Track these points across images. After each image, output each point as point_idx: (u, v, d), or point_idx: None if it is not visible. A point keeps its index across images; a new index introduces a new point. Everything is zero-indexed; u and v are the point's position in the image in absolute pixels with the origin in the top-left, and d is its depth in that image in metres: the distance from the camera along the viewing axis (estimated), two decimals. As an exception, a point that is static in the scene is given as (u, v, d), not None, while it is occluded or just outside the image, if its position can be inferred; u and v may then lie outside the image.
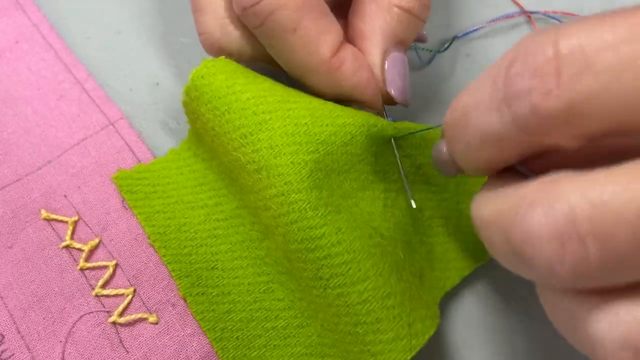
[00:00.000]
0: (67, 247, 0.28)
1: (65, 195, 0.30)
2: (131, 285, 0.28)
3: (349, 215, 0.25)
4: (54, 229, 0.29)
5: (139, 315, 0.27)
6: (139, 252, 0.28)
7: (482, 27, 0.36)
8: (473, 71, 0.36)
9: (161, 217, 0.28)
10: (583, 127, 0.17)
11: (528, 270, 0.18)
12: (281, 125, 0.25)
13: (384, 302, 0.25)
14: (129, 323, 0.27)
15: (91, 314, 0.27)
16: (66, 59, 0.34)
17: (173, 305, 0.27)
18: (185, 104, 0.29)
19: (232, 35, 0.28)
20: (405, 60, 0.29)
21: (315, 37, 0.26)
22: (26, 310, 0.27)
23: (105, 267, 0.28)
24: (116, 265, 0.28)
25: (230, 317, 0.27)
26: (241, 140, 0.26)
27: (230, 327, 0.27)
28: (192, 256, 0.28)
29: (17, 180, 0.30)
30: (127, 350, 0.27)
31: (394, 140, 0.28)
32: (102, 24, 0.36)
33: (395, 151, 0.28)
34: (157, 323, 0.27)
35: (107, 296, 0.28)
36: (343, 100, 0.28)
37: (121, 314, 0.27)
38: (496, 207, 0.19)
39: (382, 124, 0.27)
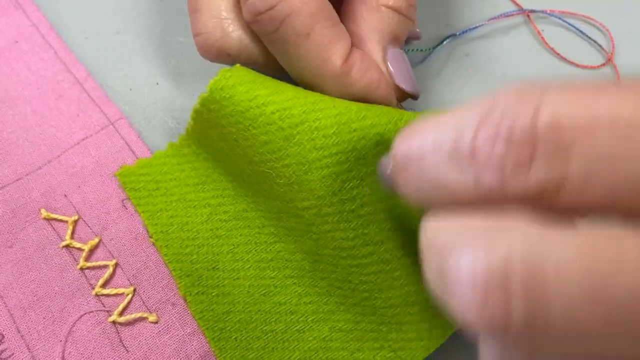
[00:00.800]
0: (67, 246, 0.28)
1: (65, 195, 0.30)
2: (131, 284, 0.28)
3: (381, 225, 0.26)
4: (54, 228, 0.29)
5: (139, 315, 0.27)
6: (139, 252, 0.28)
7: (480, 26, 0.36)
8: (472, 70, 0.36)
9: (164, 215, 0.28)
10: (554, 206, 0.15)
11: (450, 310, 0.16)
12: (309, 139, 0.25)
13: (408, 309, 0.26)
14: (129, 322, 0.27)
15: (91, 314, 0.27)
16: (65, 59, 0.34)
17: (173, 304, 0.28)
18: (200, 113, 0.28)
19: (234, 36, 0.28)
20: (404, 55, 0.29)
21: (328, 44, 0.26)
22: (26, 310, 0.27)
23: (105, 266, 0.28)
24: (116, 264, 0.28)
25: (229, 317, 0.27)
26: (269, 156, 0.26)
27: (229, 327, 0.27)
28: (193, 256, 0.28)
29: (17, 180, 0.30)
30: (127, 350, 0.27)
31: None
32: (102, 24, 0.36)
33: None
34: (157, 322, 0.27)
35: (107, 295, 0.28)
36: (359, 100, 0.28)
37: (121, 314, 0.27)
38: (442, 234, 0.17)
39: (408, 116, 0.27)
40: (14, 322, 0.27)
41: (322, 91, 0.28)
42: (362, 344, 0.27)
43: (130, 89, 0.34)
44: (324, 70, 0.27)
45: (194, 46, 0.35)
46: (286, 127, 0.25)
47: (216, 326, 0.27)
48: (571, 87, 0.15)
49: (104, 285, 0.28)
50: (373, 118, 0.26)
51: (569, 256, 0.13)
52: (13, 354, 0.26)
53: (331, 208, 0.25)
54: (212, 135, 0.29)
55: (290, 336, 0.27)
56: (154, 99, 0.34)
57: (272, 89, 0.27)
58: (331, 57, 0.26)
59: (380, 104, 0.28)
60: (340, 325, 0.27)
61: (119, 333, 0.27)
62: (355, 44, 0.28)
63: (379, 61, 0.28)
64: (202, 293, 0.27)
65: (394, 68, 0.29)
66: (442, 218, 0.18)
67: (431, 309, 0.26)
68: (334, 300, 0.27)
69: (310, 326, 0.27)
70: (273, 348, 0.27)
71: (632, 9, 0.38)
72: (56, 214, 0.29)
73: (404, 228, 0.27)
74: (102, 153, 0.31)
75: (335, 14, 0.27)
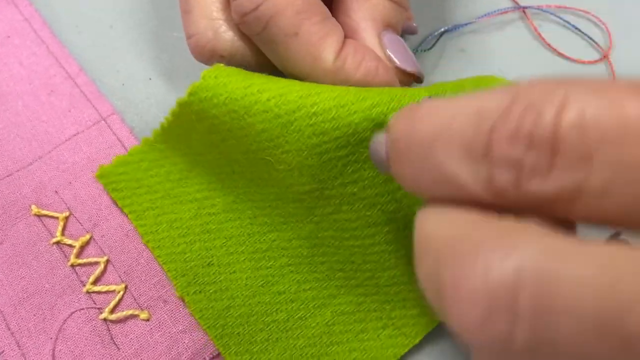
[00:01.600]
0: (57, 243, 0.28)
1: (56, 191, 0.29)
2: (122, 281, 0.28)
3: (385, 207, 0.25)
4: (44, 224, 0.29)
5: (130, 312, 0.27)
6: (130, 249, 0.28)
7: (475, 22, 0.36)
8: (467, 66, 0.35)
9: (151, 214, 0.28)
10: (568, 214, 0.14)
11: (442, 314, 0.16)
12: (308, 125, 0.24)
13: (412, 286, 0.26)
14: (120, 320, 0.27)
15: (82, 311, 0.27)
16: (58, 54, 0.34)
17: (165, 301, 0.27)
18: (187, 105, 0.27)
19: (226, 37, 0.28)
20: (401, 39, 0.29)
21: (318, 41, 0.26)
22: (16, 307, 0.27)
23: (97, 263, 0.28)
24: (107, 261, 0.28)
25: (230, 313, 0.27)
26: (267, 144, 0.25)
27: (230, 323, 0.27)
28: (186, 254, 0.27)
29: (7, 176, 0.30)
30: (118, 347, 0.26)
31: None
32: (94, 19, 0.36)
33: None
34: (148, 320, 0.27)
35: (98, 293, 0.27)
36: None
37: (112, 311, 0.27)
38: (443, 232, 0.16)
39: (412, 92, 0.25)
40: (4, 319, 0.27)
41: None
42: (366, 324, 0.27)
43: (123, 84, 0.34)
44: (316, 68, 0.26)
45: (187, 41, 0.35)
46: (283, 114, 0.24)
47: (217, 323, 0.27)
48: (600, 85, 0.14)
49: (95, 283, 0.27)
50: (374, 98, 0.24)
51: (586, 279, 0.12)
52: (3, 351, 0.26)
53: (333, 191, 0.25)
54: (199, 128, 0.28)
55: (293, 324, 0.27)
56: (147, 95, 0.33)
57: (267, 78, 0.26)
58: (322, 54, 0.26)
59: None
60: (342, 309, 0.27)
61: (110, 330, 0.27)
62: (349, 35, 0.28)
63: (375, 47, 0.27)
64: (200, 292, 0.27)
65: (393, 51, 0.28)
66: (443, 215, 0.17)
67: None
68: (334, 284, 0.27)
69: (312, 312, 0.27)
70: (277, 338, 0.27)
71: (629, 1, 0.38)
72: (47, 210, 0.29)
73: (409, 209, 0.26)
74: (93, 149, 0.31)
75: (325, 8, 0.27)
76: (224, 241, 0.28)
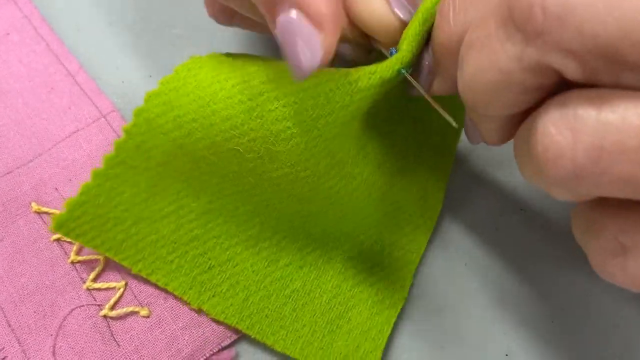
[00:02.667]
0: (58, 240, 0.28)
1: (56, 188, 0.29)
2: (122, 278, 0.28)
3: (362, 167, 0.27)
4: (44, 222, 0.29)
5: (131, 309, 0.27)
6: (130, 245, 0.28)
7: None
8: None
9: (130, 244, 0.27)
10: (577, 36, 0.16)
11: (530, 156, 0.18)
12: (269, 111, 0.24)
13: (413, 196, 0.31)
14: (121, 316, 0.27)
15: (82, 308, 0.27)
16: (57, 51, 0.34)
17: (165, 298, 0.27)
18: (156, 95, 0.25)
19: None
20: None
21: None
22: (17, 304, 0.27)
23: (97, 260, 0.28)
24: (107, 258, 0.28)
25: (250, 301, 0.27)
26: (233, 132, 0.24)
27: (254, 310, 0.27)
28: (183, 267, 0.27)
29: (7, 173, 0.30)
30: (118, 344, 0.26)
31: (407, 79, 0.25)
32: (94, 16, 0.36)
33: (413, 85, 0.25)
34: (148, 316, 0.27)
35: (99, 289, 0.27)
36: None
37: (112, 308, 0.27)
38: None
39: (383, 68, 0.23)
40: (5, 316, 0.27)
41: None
42: (376, 259, 0.29)
43: (123, 82, 0.34)
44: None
45: (187, 38, 0.35)
46: (246, 100, 0.24)
47: (243, 315, 0.27)
48: None
49: (95, 279, 0.27)
50: (341, 78, 0.23)
51: None
52: (3, 348, 0.26)
53: (306, 172, 0.25)
54: (163, 127, 0.25)
55: (311, 286, 0.28)
56: (146, 92, 0.33)
57: (239, 64, 0.25)
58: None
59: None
60: (348, 255, 0.29)
61: (110, 327, 0.27)
62: None
63: None
64: (213, 295, 0.27)
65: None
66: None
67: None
68: (332, 239, 0.29)
69: (324, 268, 0.29)
70: (303, 304, 0.28)
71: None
72: (47, 207, 0.29)
73: (383, 160, 0.29)
74: (93, 146, 0.31)
75: None
76: (214, 241, 0.28)
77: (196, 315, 0.27)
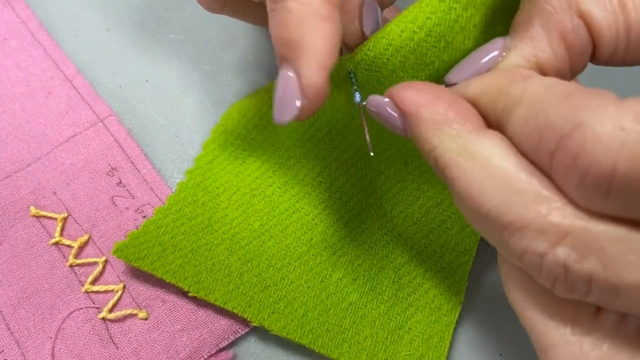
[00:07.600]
0: (56, 243, 0.28)
1: (54, 192, 0.30)
2: (121, 281, 0.28)
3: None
4: (43, 225, 0.29)
5: (129, 311, 0.27)
6: (128, 249, 0.28)
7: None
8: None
9: (188, 268, 0.28)
10: None
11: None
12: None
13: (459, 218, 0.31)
14: (119, 319, 0.27)
15: (81, 310, 0.27)
16: (55, 56, 0.34)
17: (163, 301, 0.28)
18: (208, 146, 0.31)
19: None
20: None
21: None
22: (16, 307, 0.27)
23: (95, 263, 0.28)
24: (106, 261, 0.28)
25: (309, 317, 0.28)
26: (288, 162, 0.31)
27: (315, 325, 0.28)
28: (240, 288, 0.28)
29: (6, 177, 0.30)
30: (116, 346, 0.27)
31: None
32: (91, 21, 0.36)
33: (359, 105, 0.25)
34: (147, 319, 0.27)
35: (97, 292, 0.28)
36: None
37: (111, 310, 0.27)
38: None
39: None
40: (4, 319, 0.27)
41: None
42: (426, 264, 0.30)
43: (120, 86, 0.34)
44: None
45: (184, 43, 0.36)
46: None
47: (304, 330, 0.27)
48: None
49: (93, 282, 0.28)
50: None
51: None
52: (3, 351, 0.26)
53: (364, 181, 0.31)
54: (222, 163, 0.31)
55: (368, 297, 0.29)
56: (144, 96, 0.34)
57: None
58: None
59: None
60: (398, 261, 0.30)
61: (108, 329, 0.27)
62: None
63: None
64: (273, 312, 0.28)
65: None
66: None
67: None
68: (381, 247, 0.30)
69: (377, 279, 0.29)
70: (361, 315, 0.28)
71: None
72: (45, 211, 0.29)
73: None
74: (91, 150, 0.31)
75: None
76: (267, 262, 0.29)
77: (194, 317, 0.27)
